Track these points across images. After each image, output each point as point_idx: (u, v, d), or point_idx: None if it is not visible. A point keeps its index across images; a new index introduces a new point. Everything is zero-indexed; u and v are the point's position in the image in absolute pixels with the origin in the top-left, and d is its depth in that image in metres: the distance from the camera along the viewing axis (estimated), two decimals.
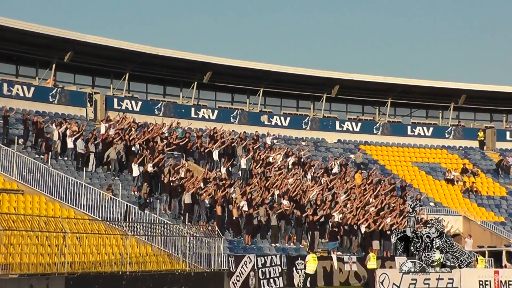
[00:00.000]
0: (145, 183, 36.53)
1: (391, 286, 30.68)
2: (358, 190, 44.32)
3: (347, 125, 55.17)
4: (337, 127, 54.82)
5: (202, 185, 37.58)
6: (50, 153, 36.36)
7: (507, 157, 55.10)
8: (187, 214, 35.17)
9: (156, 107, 47.75)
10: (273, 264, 33.56)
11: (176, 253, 31.46)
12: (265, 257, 33.63)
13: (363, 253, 38.54)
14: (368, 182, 46.06)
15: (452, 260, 31.10)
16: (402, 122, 58.02)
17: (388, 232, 39.76)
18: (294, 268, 34.32)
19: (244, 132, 47.58)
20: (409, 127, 57.07)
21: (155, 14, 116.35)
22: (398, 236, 32.05)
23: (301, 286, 33.43)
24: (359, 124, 55.50)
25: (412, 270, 30.66)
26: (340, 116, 56.18)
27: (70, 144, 37.37)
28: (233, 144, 44.25)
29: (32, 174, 33.56)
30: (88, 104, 44.62)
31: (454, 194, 51.11)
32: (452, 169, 52.99)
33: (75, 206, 32.95)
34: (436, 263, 30.90)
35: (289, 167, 44.56)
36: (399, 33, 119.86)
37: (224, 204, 36.92)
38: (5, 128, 36.98)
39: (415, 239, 30.90)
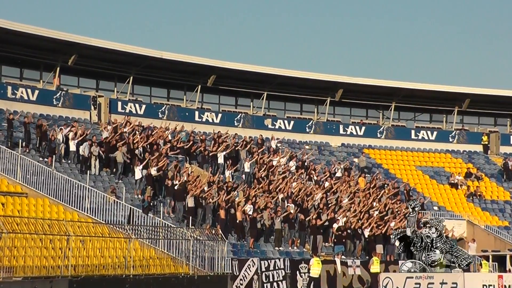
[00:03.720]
0: (149, 186, 36.55)
1: None
2: (362, 194, 44.29)
3: (351, 129, 55.13)
4: (341, 131, 54.80)
5: (205, 188, 37.59)
6: (54, 156, 36.42)
7: (508, 161, 54.97)
8: (190, 217, 35.18)
9: (160, 110, 47.78)
10: (276, 268, 33.54)
11: (179, 256, 31.46)
12: (269, 261, 33.64)
13: (367, 257, 38.51)
14: (371, 186, 46.02)
15: (452, 260, 31.08)
16: (406, 126, 57.99)
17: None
18: (297, 272, 34.29)
19: (250, 136, 47.54)
20: (413, 131, 57.04)
21: (159, 17, 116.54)
22: (398, 237, 32.05)
23: None
24: (363, 128, 55.46)
25: (412, 270, 30.63)
26: (343, 120, 56.15)
27: (72, 147, 37.42)
28: (236, 148, 44.26)
29: (36, 177, 33.61)
30: (92, 107, 44.67)
31: (458, 198, 51.05)
32: (456, 173, 52.93)
33: (79, 209, 32.98)
34: (436, 263, 30.88)
35: (293, 170, 44.55)
36: (403, 37, 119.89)
37: (228, 208, 36.92)
38: (9, 131, 37.02)
39: (415, 240, 30.90)
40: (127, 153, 38.52)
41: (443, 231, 31.40)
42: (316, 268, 31.91)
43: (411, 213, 31.77)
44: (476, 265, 37.67)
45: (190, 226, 33.83)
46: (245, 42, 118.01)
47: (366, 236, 40.02)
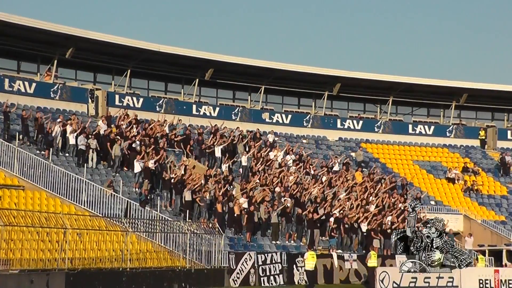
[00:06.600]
0: (146, 180, 36.53)
1: (391, 285, 30.68)
2: (359, 188, 44.31)
3: (348, 123, 55.16)
4: (338, 125, 54.84)
5: (203, 182, 37.60)
6: (51, 149, 36.38)
7: (505, 156, 55.03)
8: (187, 211, 35.19)
9: (157, 103, 47.76)
10: (273, 262, 33.55)
11: (176, 249, 31.49)
12: (266, 255, 33.64)
13: (364, 251, 38.54)
14: (369, 180, 46.04)
15: (452, 260, 31.10)
16: (404, 120, 58.04)
17: (389, 231, 39.80)
18: (294, 266, 34.31)
19: (247, 130, 47.53)
20: (410, 126, 57.08)
21: (157, 11, 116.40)
22: (399, 236, 32.06)
23: (303, 283, 33.41)
24: (360, 122, 55.50)
25: (412, 270, 30.66)
26: (341, 114, 56.19)
27: (72, 141, 37.39)
28: (234, 142, 44.24)
29: (33, 170, 33.58)
30: (90, 100, 44.61)
31: (455, 193, 51.10)
32: (453, 168, 52.98)
33: (76, 202, 32.98)
34: (436, 263, 30.90)
35: (290, 164, 44.56)
36: (401, 31, 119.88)
37: (225, 201, 36.92)
38: (6, 124, 36.96)
39: (415, 239, 30.89)
40: (126, 148, 38.42)
41: (444, 231, 31.47)
42: (310, 261, 31.83)
43: (411, 213, 31.78)
44: (472, 260, 37.73)
45: (187, 220, 33.83)
46: (243, 35, 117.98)
47: (364, 230, 40.04)
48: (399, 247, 33.14)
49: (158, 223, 32.47)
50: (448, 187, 51.68)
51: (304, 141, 51.71)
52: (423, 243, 30.81)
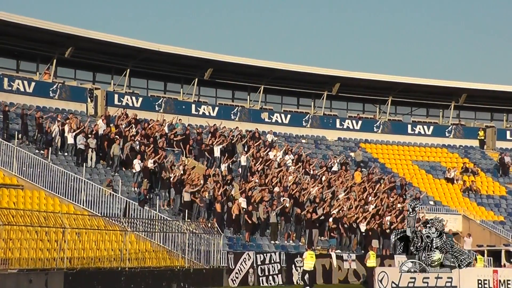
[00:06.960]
0: (145, 179, 36.53)
1: (390, 285, 30.72)
2: (358, 188, 44.31)
3: (348, 123, 55.16)
4: (338, 125, 54.84)
5: (202, 182, 37.59)
6: (50, 148, 36.37)
7: (505, 156, 55.05)
8: (186, 210, 35.20)
9: (156, 103, 47.77)
10: (272, 262, 33.58)
11: (175, 249, 31.50)
12: (264, 254, 33.67)
13: (363, 251, 38.55)
14: (368, 180, 46.04)
15: (452, 260, 31.09)
16: (403, 120, 58.06)
17: (388, 231, 39.79)
18: (293, 266, 34.33)
19: (247, 130, 47.52)
20: (409, 126, 57.09)
21: (156, 10, 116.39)
22: (398, 236, 32.06)
23: (301, 283, 33.42)
24: (360, 122, 55.51)
25: (412, 270, 30.64)
26: (340, 114, 56.20)
27: (70, 140, 37.40)
28: (233, 141, 44.25)
29: (32, 169, 33.59)
30: (89, 99, 44.61)
31: (454, 193, 51.11)
32: (452, 168, 53.00)
33: (75, 202, 32.97)
34: (436, 263, 30.89)
35: (289, 164, 44.56)
36: (400, 31, 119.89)
37: (224, 201, 36.92)
38: (5, 123, 36.96)
39: (415, 239, 30.89)
40: (126, 148, 38.40)
41: (443, 231, 31.44)
42: (309, 261, 31.83)
43: (411, 213, 31.74)
44: (472, 260, 37.76)
45: (186, 219, 33.83)
46: (242, 35, 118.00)
47: (362, 230, 40.04)
48: (398, 247, 33.13)
49: (157, 223, 32.48)
50: (447, 187, 51.68)
51: (303, 141, 51.74)
52: (423, 243, 30.81)
